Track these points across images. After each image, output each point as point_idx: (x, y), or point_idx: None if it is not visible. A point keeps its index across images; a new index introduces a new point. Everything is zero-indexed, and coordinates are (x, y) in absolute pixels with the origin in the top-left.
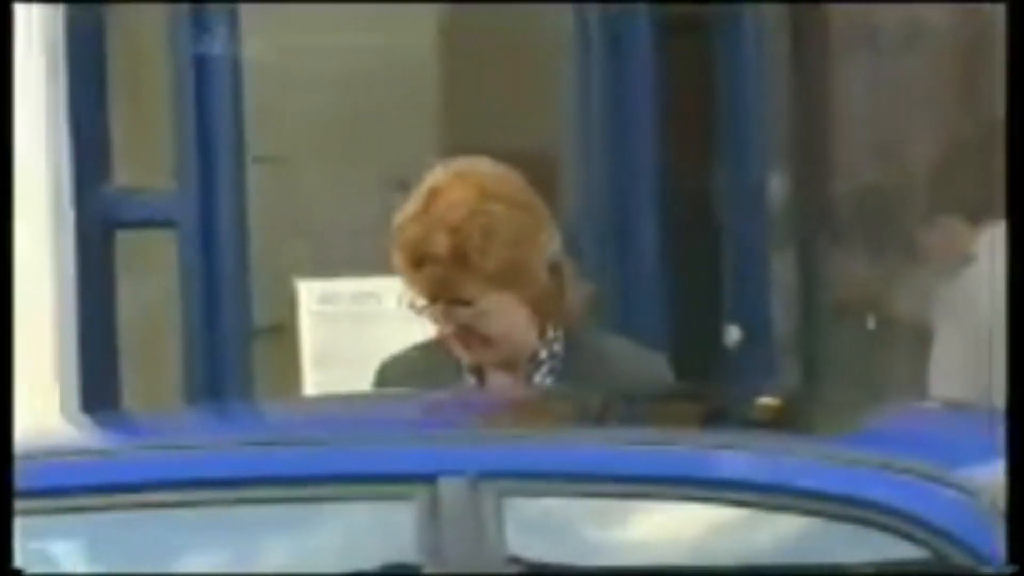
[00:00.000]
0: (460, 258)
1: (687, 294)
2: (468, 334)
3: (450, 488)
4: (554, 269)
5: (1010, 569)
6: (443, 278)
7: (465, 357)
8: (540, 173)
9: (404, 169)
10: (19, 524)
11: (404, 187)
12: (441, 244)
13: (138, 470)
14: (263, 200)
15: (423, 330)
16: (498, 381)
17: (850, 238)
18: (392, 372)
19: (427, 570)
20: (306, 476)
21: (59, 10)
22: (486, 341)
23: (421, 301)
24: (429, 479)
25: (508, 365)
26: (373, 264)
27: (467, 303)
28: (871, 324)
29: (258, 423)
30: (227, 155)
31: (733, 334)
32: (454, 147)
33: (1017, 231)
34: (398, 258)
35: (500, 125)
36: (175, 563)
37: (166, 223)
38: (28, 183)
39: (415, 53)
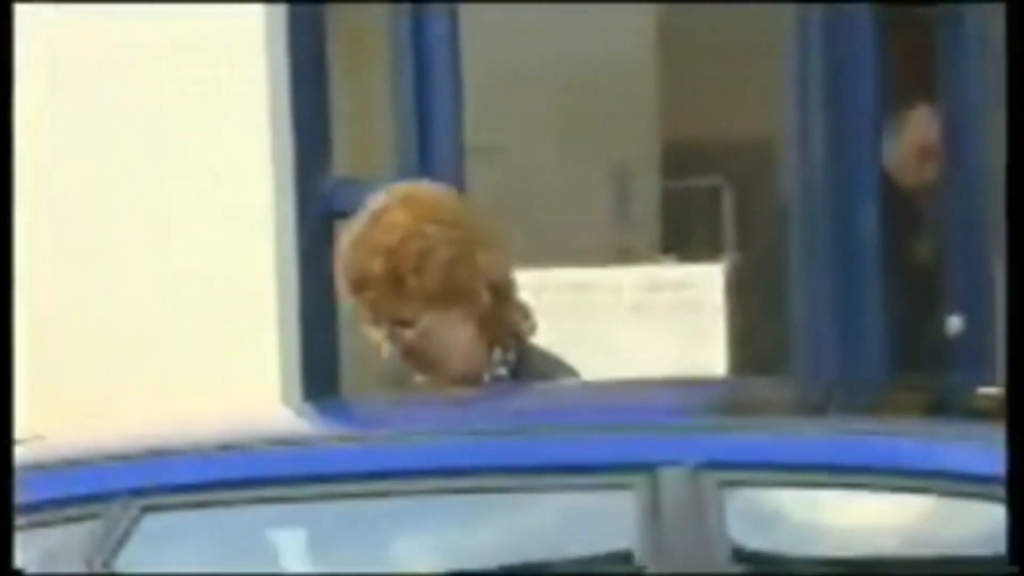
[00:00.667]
0: (396, 280)
1: (907, 284)
2: (414, 355)
3: (671, 478)
4: (496, 289)
5: (1010, 569)
6: (381, 300)
7: (419, 377)
8: (758, 165)
9: (623, 161)
10: (241, 513)
11: (623, 179)
12: (377, 267)
13: (358, 459)
14: (481, 191)
15: (639, 320)
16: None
17: None
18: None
19: (646, 560)
20: (526, 466)
21: (281, 6)
22: (431, 361)
23: (367, 324)
24: (649, 469)
25: (460, 379)
26: (590, 255)
27: (407, 324)
28: None
29: (479, 412)
30: (446, 145)
31: (954, 324)
32: (672, 139)
33: (1017, 231)
34: (340, 283)
35: (718, 118)
36: (394, 553)
37: None
38: (250, 176)
39: (634, 47)
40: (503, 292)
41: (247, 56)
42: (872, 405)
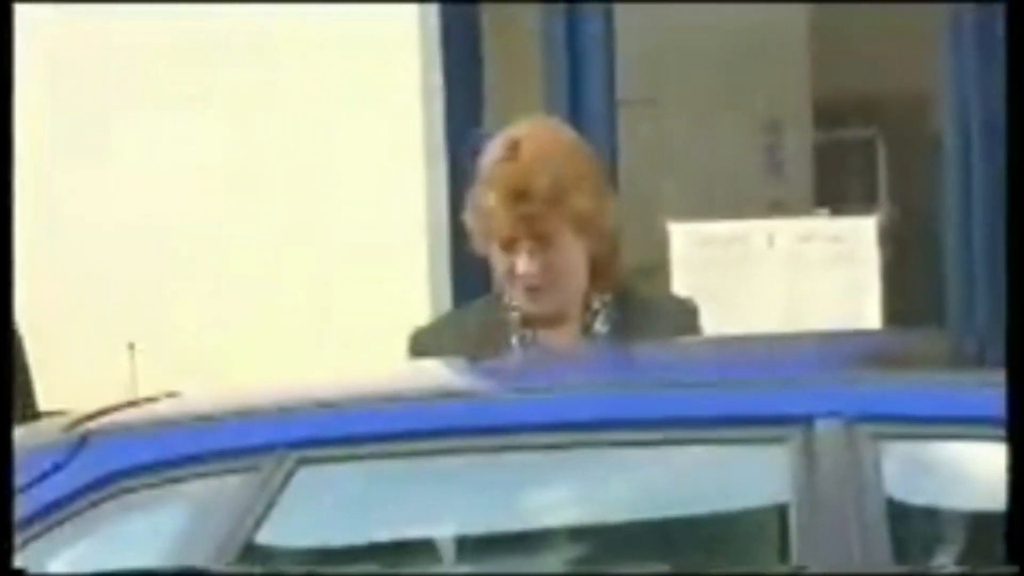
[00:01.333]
0: (557, 196)
1: None
2: (538, 277)
3: (826, 431)
4: (614, 234)
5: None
6: (536, 215)
7: (525, 305)
8: (912, 116)
9: (776, 114)
10: (395, 467)
11: (774, 129)
12: (541, 182)
13: (510, 412)
14: (634, 142)
15: (792, 273)
16: (551, 340)
17: None
18: (427, 342)
19: (801, 514)
20: (680, 418)
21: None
22: (554, 284)
23: (498, 240)
24: (805, 422)
25: (557, 319)
26: (743, 208)
27: (549, 243)
28: None
29: (632, 365)
30: (598, 97)
31: None
32: (825, 91)
33: (1017, 231)
34: (490, 196)
35: (871, 69)
36: (544, 506)
37: None
38: (403, 127)
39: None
40: (616, 240)
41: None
42: None
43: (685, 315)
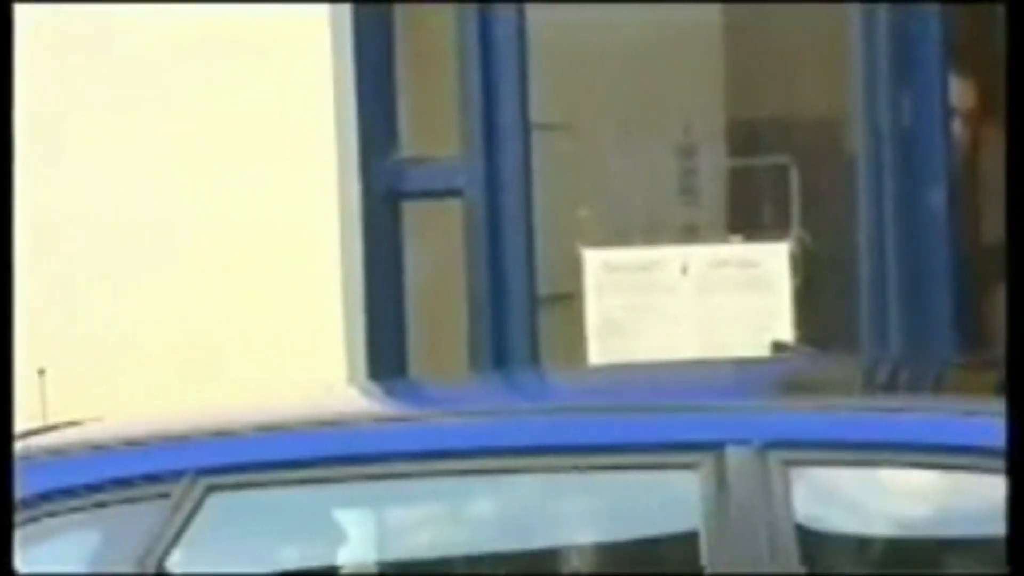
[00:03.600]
0: None
1: (976, 261)
2: None
3: (737, 457)
4: None
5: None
6: None
7: None
8: (825, 136)
9: (690, 138)
10: (305, 492)
11: (689, 153)
12: None
13: (427, 438)
14: (548, 168)
15: (706, 299)
16: None
17: None
18: None
19: (710, 538)
20: (592, 445)
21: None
22: None
23: None
24: (716, 448)
25: None
26: (659, 232)
27: None
28: None
29: (545, 392)
30: (512, 123)
31: None
32: (739, 116)
33: (1017, 231)
34: None
35: (785, 95)
36: (459, 528)
37: (451, 192)
38: (315, 155)
39: (699, 18)
40: None
41: (312, 28)
42: (938, 384)
43: None
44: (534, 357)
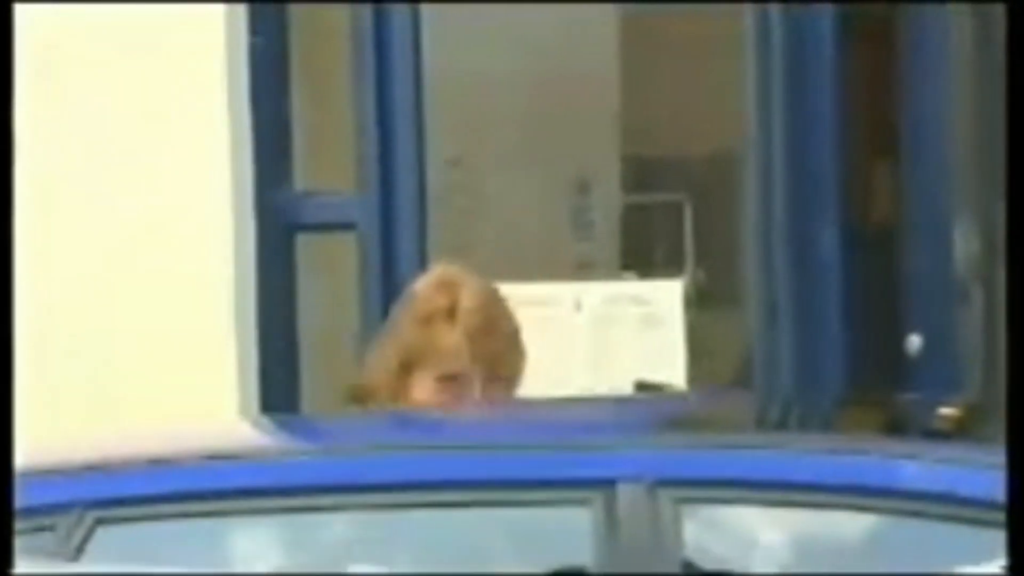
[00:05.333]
0: (515, 336)
1: (867, 301)
2: None
3: (628, 494)
4: None
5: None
6: (503, 352)
7: None
8: (719, 174)
9: (584, 174)
10: (192, 525)
11: (584, 189)
12: (506, 324)
13: (309, 472)
14: (443, 201)
15: (599, 336)
16: None
17: None
18: None
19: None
20: (482, 480)
21: (241, 10)
22: None
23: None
24: (607, 485)
25: None
26: (550, 269)
27: (508, 380)
28: None
29: (437, 429)
30: (408, 158)
31: (914, 343)
32: (634, 153)
33: (1017, 231)
34: (449, 329)
35: (679, 127)
36: (349, 565)
37: (346, 226)
38: (209, 186)
39: (594, 55)
40: None
41: (206, 58)
42: (829, 422)
43: None
44: None
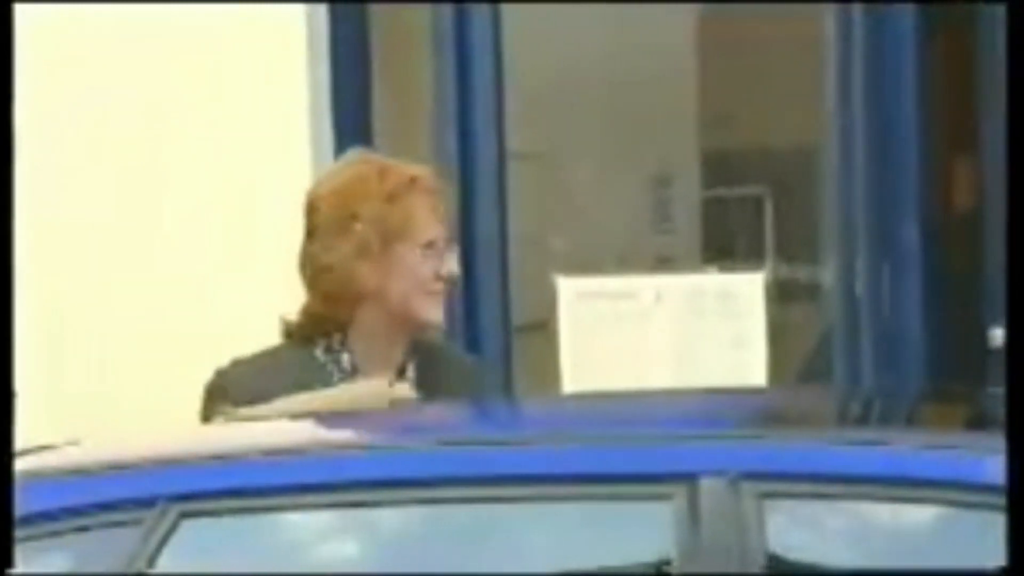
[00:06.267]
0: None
1: (950, 295)
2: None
3: (711, 488)
4: None
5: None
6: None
7: (433, 314)
8: (800, 173)
9: (665, 168)
10: (280, 520)
11: (664, 186)
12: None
13: (397, 466)
14: (524, 196)
15: (680, 329)
16: (374, 383)
17: None
18: (236, 375)
19: (684, 570)
20: (564, 475)
21: (322, 9)
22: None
23: (422, 241)
24: (689, 479)
25: (389, 361)
26: (631, 262)
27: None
28: None
29: (520, 421)
30: (488, 151)
31: (998, 336)
32: (714, 147)
33: (1017, 231)
34: (413, 197)
35: (760, 125)
36: (430, 558)
37: None
38: (291, 173)
39: (675, 53)
40: None
41: (287, 58)
42: (912, 417)
43: (481, 373)
44: (508, 386)
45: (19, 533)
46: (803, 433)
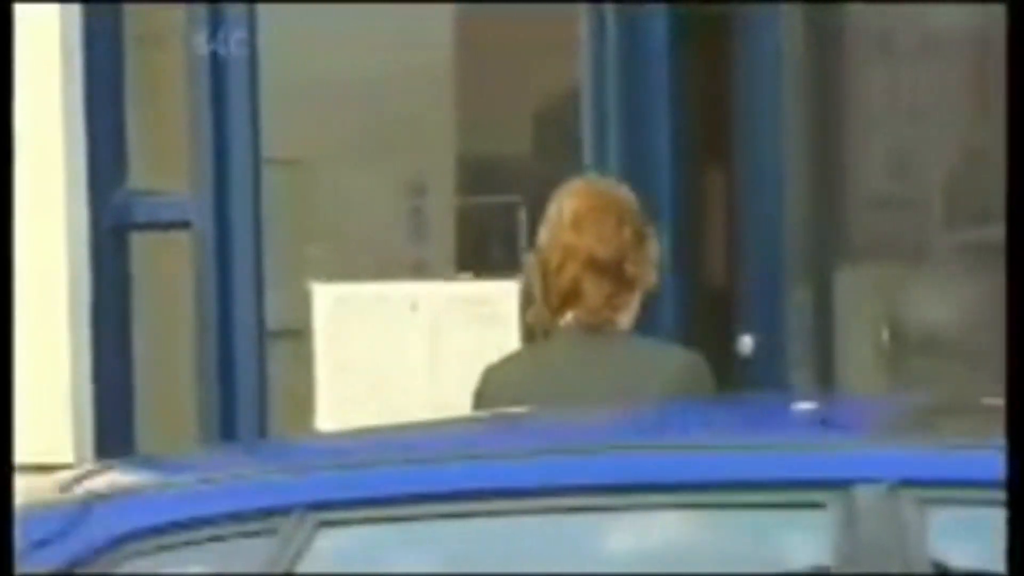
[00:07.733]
0: (639, 240)
1: (701, 301)
2: None
3: (867, 495)
4: None
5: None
6: (636, 262)
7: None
8: (556, 178)
9: (420, 176)
10: (419, 528)
11: (420, 191)
12: (627, 233)
13: (536, 473)
14: (278, 203)
15: (435, 336)
16: None
17: (865, 247)
18: (507, 371)
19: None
20: (721, 481)
21: (76, 10)
22: None
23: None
24: (846, 486)
25: None
26: (389, 268)
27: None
28: (885, 336)
29: (669, 429)
30: (243, 157)
31: (746, 344)
32: (469, 154)
33: (1017, 231)
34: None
35: (516, 129)
36: (586, 564)
37: (181, 225)
38: (43, 185)
39: (431, 56)
40: None
41: (39, 57)
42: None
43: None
44: (261, 389)
45: (151, 543)
46: (961, 439)
